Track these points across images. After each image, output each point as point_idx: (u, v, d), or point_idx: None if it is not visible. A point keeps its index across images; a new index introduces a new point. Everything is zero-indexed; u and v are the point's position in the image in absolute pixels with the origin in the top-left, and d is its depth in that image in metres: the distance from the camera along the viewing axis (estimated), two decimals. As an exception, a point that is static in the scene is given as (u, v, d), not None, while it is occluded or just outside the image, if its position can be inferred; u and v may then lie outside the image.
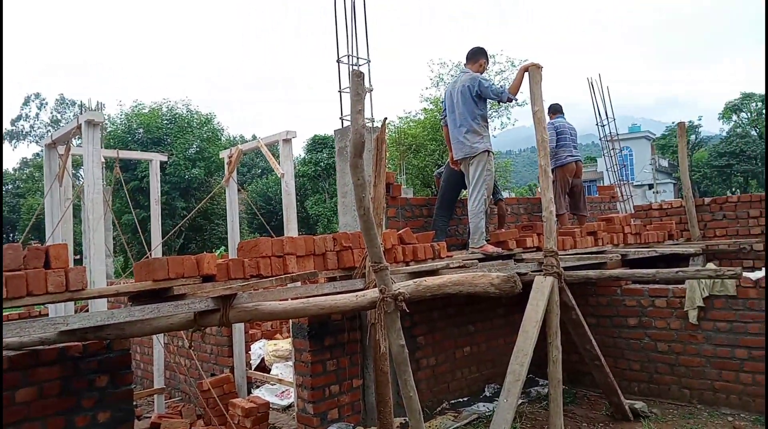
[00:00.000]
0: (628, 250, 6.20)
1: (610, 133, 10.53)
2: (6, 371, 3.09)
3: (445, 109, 5.69)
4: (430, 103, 20.44)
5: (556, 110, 7.89)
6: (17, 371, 3.19)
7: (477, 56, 5.63)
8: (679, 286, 5.46)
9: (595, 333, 5.90)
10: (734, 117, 49.43)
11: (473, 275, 2.85)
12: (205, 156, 28.85)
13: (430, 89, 21.72)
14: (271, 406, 5.36)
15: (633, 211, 8.55)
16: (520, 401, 5.72)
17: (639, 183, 42.41)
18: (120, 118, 28.69)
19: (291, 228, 4.93)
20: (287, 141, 5.14)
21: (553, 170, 7.23)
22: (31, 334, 2.70)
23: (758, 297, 4.98)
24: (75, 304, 5.29)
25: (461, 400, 5.84)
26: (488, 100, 5.54)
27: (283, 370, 6.20)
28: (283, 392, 5.94)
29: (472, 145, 5.36)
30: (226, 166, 6.15)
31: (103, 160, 6.33)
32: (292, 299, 3.54)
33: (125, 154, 7.18)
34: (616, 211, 9.16)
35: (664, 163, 46.56)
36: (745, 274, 5.13)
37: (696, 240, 7.51)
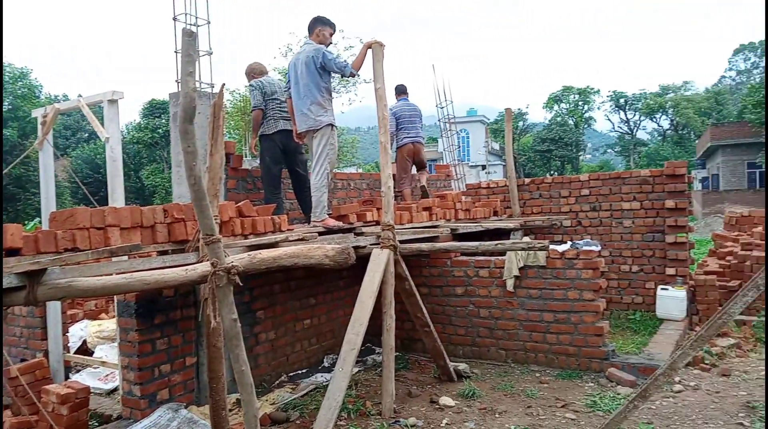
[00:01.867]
0: (459, 224, 6.68)
1: (447, 115, 11.16)
2: None
3: (289, 80, 5.58)
4: (279, 73, 19.97)
5: (400, 91, 8.20)
6: None
7: (315, 26, 5.51)
8: (500, 257, 6.01)
9: (427, 302, 6.30)
10: (555, 107, 55.16)
11: (308, 247, 2.87)
12: (19, 115, 25.39)
13: (279, 59, 21.21)
14: (92, 390, 4.95)
15: (465, 190, 9.20)
16: (357, 369, 5.94)
17: (474, 164, 45.71)
18: None
19: (116, 198, 4.53)
20: (113, 102, 4.68)
21: (395, 152, 7.92)
22: None
23: (563, 267, 5.66)
24: None
25: (300, 372, 5.91)
26: (332, 74, 5.55)
27: (109, 352, 5.74)
28: (107, 375, 5.51)
29: (316, 117, 5.33)
30: (39, 127, 5.45)
31: None
32: (115, 275, 3.27)
33: None
34: (451, 189, 9.79)
35: (496, 146, 50.61)
36: (553, 246, 5.80)
37: (516, 216, 8.31)
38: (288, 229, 4.72)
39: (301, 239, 4.14)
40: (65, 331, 5.64)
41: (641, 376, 5.13)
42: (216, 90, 5.24)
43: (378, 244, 4.87)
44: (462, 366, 5.64)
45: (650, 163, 43.91)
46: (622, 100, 53.67)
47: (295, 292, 5.97)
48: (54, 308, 5.31)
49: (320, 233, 4.86)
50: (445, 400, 4.89)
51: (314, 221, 5.31)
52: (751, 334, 6.55)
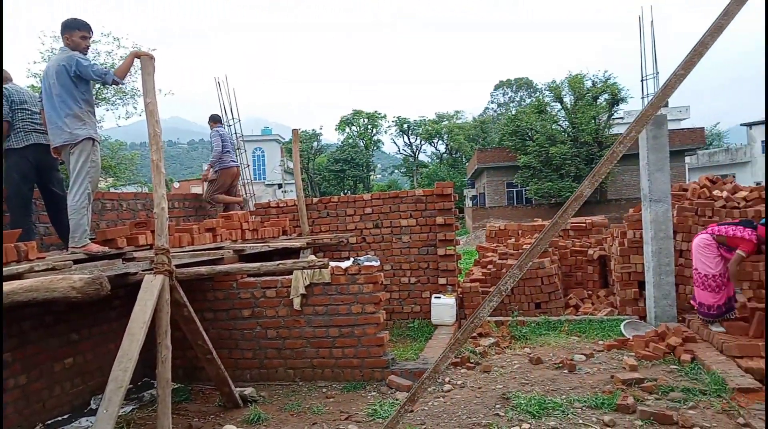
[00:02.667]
0: (245, 245, 6.53)
1: (236, 133, 10.93)
2: None
3: (42, 90, 4.93)
4: (39, 80, 17.60)
5: (216, 120, 9.15)
6: None
7: (64, 32, 4.95)
8: (287, 277, 6.02)
9: (212, 327, 6.04)
10: (347, 129, 57.70)
11: (50, 279, 2.52)
12: None
13: (41, 64, 18.72)
14: None
15: (253, 209, 9.07)
16: (131, 407, 5.43)
17: (270, 182, 45.53)
18: None
19: None
20: None
21: (217, 171, 8.73)
22: None
23: (347, 282, 5.87)
24: None
25: (61, 418, 5.19)
26: (92, 82, 5.05)
27: None
28: None
29: (72, 131, 4.78)
30: None
31: None
32: None
33: None
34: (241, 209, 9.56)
35: (292, 165, 51.14)
36: (336, 263, 6.00)
37: (306, 235, 8.43)
38: (38, 258, 4.12)
39: (52, 269, 3.63)
40: None
41: (417, 381, 5.52)
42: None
43: (151, 269, 4.51)
44: (248, 390, 5.49)
45: (430, 183, 48.26)
46: (405, 126, 58.28)
47: (52, 327, 5.23)
48: None
49: (78, 261, 4.34)
50: (229, 428, 4.70)
51: (73, 247, 4.73)
52: (507, 333, 7.50)
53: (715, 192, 8.10)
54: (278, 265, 4.76)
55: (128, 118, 19.47)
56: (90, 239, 4.87)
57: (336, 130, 57.82)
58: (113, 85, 5.26)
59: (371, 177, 60.74)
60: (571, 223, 10.95)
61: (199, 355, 5.10)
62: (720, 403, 4.65)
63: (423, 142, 59.33)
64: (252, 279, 6.14)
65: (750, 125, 42.95)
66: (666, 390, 4.97)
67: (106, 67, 5.01)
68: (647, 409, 4.47)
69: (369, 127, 57.84)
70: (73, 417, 5.21)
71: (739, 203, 7.94)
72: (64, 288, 2.49)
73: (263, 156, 47.79)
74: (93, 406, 5.47)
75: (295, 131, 9.22)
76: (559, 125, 33.38)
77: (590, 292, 9.37)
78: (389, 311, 8.19)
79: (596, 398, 4.83)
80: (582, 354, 6.25)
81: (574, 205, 3.51)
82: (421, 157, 62.11)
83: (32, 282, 2.49)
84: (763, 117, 41.16)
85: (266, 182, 45.36)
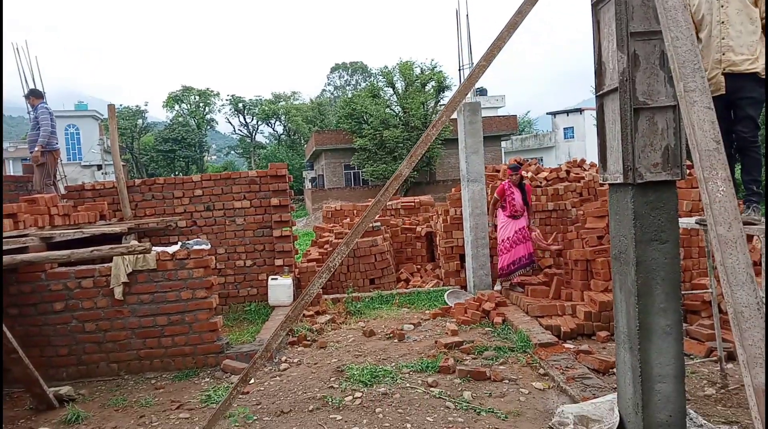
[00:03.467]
0: (55, 232, 5.90)
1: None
2: None
3: None
4: None
5: (39, 95, 8.32)
6: None
7: None
8: (106, 265, 5.58)
9: (18, 324, 5.43)
10: (176, 106, 54.22)
11: None
12: None
13: None
14: None
15: (65, 192, 8.20)
16: None
17: (88, 163, 41.25)
18: None
19: None
20: None
21: (43, 154, 7.88)
22: None
23: (175, 268, 5.60)
24: None
25: None
26: None
27: None
28: None
29: None
30: None
31: None
32: None
33: None
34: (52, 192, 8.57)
35: (114, 144, 46.72)
36: (163, 248, 5.70)
37: (128, 219, 7.84)
38: None
39: None
40: None
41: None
42: None
43: (-67, 262, 3.90)
44: (65, 389, 5.02)
45: (268, 164, 47.50)
46: (240, 105, 56.40)
47: None
48: None
49: None
50: (42, 432, 4.28)
51: None
52: (343, 309, 7.75)
53: (522, 172, 9.11)
54: (92, 251, 4.41)
55: None
56: None
57: (164, 107, 54.09)
58: None
59: (205, 158, 58.00)
60: (402, 202, 11.58)
61: (2, 355, 4.54)
62: (525, 357, 5.32)
63: (260, 123, 58.01)
64: (64, 269, 5.58)
65: (554, 114, 48.79)
66: (481, 350, 5.55)
67: None
68: (464, 368, 4.96)
69: (201, 105, 54.99)
70: None
71: (541, 182, 9.04)
72: None
73: (78, 134, 42.99)
74: None
75: (111, 107, 8.47)
76: (392, 110, 34.83)
77: (419, 267, 10.04)
78: (224, 295, 7.99)
79: (422, 362, 5.23)
80: (411, 324, 6.70)
81: (394, 184, 3.73)
82: (259, 137, 60.77)
83: None
84: (564, 107, 46.97)
85: (83, 163, 40.99)
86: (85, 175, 37.19)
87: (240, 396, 4.49)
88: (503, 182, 7.80)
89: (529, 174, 9.12)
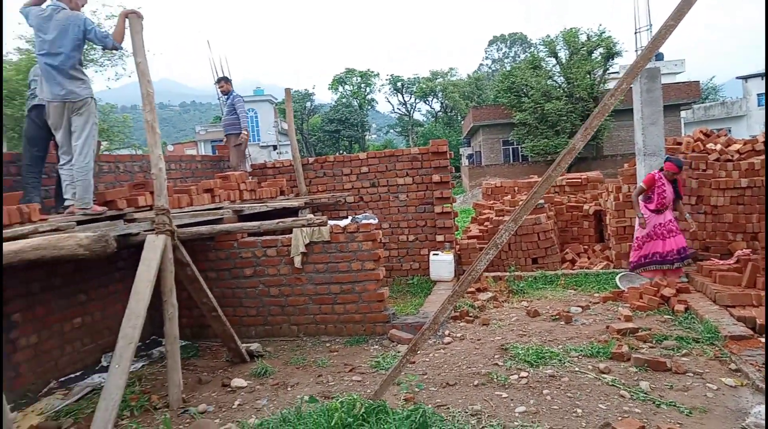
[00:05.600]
0: (243, 205, 6.57)
1: (230, 93, 10.78)
2: None
3: (37, 45, 4.89)
4: (27, 41, 17.25)
5: (229, 81, 9.05)
6: None
7: None
8: (287, 236, 6.09)
9: (216, 286, 6.14)
10: (340, 88, 56.99)
11: (57, 237, 2.57)
12: None
13: (25, 26, 18.29)
14: None
15: (251, 170, 9.07)
16: (141, 364, 5.57)
17: (264, 144, 45.16)
18: None
19: None
20: None
21: (237, 136, 8.63)
22: None
23: (346, 240, 5.95)
24: None
25: (73, 375, 5.33)
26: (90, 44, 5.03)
27: None
28: None
29: (74, 89, 4.77)
30: None
31: None
32: None
33: None
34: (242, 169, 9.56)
35: (286, 125, 50.64)
36: (335, 222, 6.07)
37: (303, 195, 8.47)
38: (41, 220, 4.16)
39: (56, 230, 3.68)
40: None
41: (417, 333, 5.67)
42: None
43: (153, 230, 4.57)
44: (254, 346, 5.63)
45: (426, 142, 48.03)
46: (399, 84, 57.58)
47: (60, 289, 5.32)
48: None
49: (81, 222, 4.38)
50: (238, 381, 4.85)
51: (79, 208, 4.77)
52: (505, 287, 7.64)
53: (709, 145, 8.14)
54: (278, 223, 4.82)
55: (118, 79, 19.16)
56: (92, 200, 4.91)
57: (329, 89, 57.15)
58: (113, 50, 5.23)
59: (366, 137, 60.37)
60: (567, 178, 11.02)
61: (204, 313, 5.21)
62: (713, 350, 4.81)
63: (417, 101, 58.78)
64: (252, 238, 6.21)
65: (746, 78, 42.65)
66: (660, 339, 5.13)
67: (107, 31, 4.97)
68: (641, 356, 4.62)
69: (362, 85, 57.14)
70: (85, 374, 5.35)
71: (732, 156, 8.00)
72: (71, 246, 2.54)
73: (256, 117, 47.20)
74: (104, 363, 5.61)
75: (287, 90, 9.15)
76: (554, 81, 33.07)
77: (586, 247, 9.51)
78: (388, 268, 8.31)
79: (592, 347, 4.98)
80: (578, 306, 6.40)
81: (567, 158, 3.55)
82: (416, 115, 61.64)
83: (40, 240, 2.53)
84: (758, 70, 40.81)
85: (261, 144, 45.01)
86: (262, 154, 40.80)
87: (407, 365, 4.67)
88: (654, 172, 7.00)
89: (718, 146, 8.11)
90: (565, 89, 31.84)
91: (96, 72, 19.27)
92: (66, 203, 4.92)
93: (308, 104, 55.29)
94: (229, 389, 4.76)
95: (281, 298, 6.14)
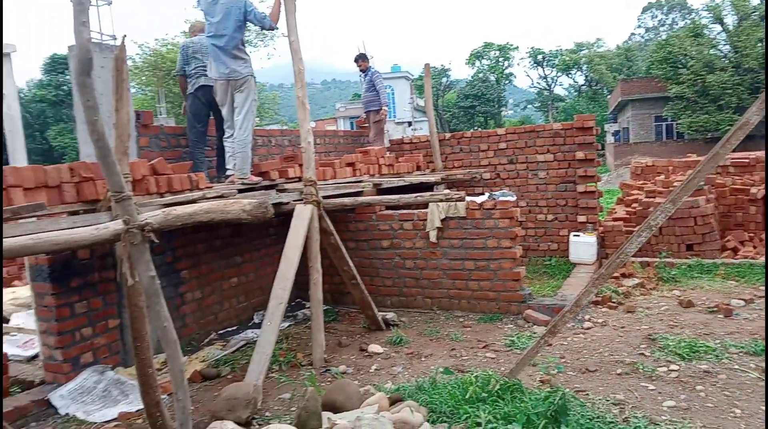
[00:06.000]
0: (382, 179, 6.76)
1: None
2: None
3: (207, 26, 5.38)
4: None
5: (366, 59, 9.11)
6: None
7: None
8: (423, 210, 6.16)
9: (354, 255, 6.39)
10: (477, 63, 55.87)
11: (224, 203, 2.83)
12: None
13: (191, 11, 20.13)
14: (12, 358, 4.77)
15: (389, 145, 9.27)
16: (287, 324, 6.01)
17: (400, 120, 45.84)
18: None
19: (18, 158, 4.25)
20: (5, 56, 4.32)
21: (377, 112, 8.83)
22: None
23: (482, 217, 5.88)
24: None
25: (230, 329, 5.90)
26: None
27: (27, 320, 5.49)
28: (26, 342, 5.28)
29: (236, 68, 5.20)
30: None
31: None
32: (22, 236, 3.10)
33: None
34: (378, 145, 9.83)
35: (422, 102, 50.85)
36: (471, 198, 6.01)
37: (439, 170, 8.49)
38: (206, 187, 4.62)
39: (220, 196, 4.06)
40: (-28, 300, 5.31)
41: (555, 316, 5.49)
42: (118, 42, 4.95)
43: (301, 200, 4.86)
44: (390, 315, 5.82)
45: (567, 117, 45.58)
46: (539, 57, 55.05)
47: (220, 250, 5.88)
48: (-44, 278, 4.97)
49: (240, 190, 4.79)
50: (374, 347, 5.06)
51: (239, 178, 5.22)
52: (654, 274, 7.11)
53: None
54: (416, 197, 4.90)
55: (269, 59, 20.45)
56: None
57: (466, 64, 56.26)
58: (269, 30, 5.61)
59: (502, 113, 58.82)
60: (732, 158, 9.88)
61: (344, 280, 5.48)
62: None
63: (559, 74, 55.86)
64: (390, 211, 6.37)
65: None
66: (843, 341, 4.48)
67: (264, 13, 5.36)
68: (819, 359, 4.08)
69: (500, 59, 55.49)
70: (240, 329, 5.91)
71: None
72: (236, 210, 2.79)
73: (392, 94, 47.95)
74: (256, 320, 6.15)
75: (426, 65, 9.16)
76: (719, 50, 29.59)
77: (752, 235, 8.52)
78: (525, 248, 8.08)
79: (755, 345, 4.49)
80: (740, 299, 5.78)
81: (738, 135, 3.20)
82: (557, 90, 58.67)
83: (210, 205, 2.82)
84: None
85: (396, 120, 45.79)
86: (397, 131, 41.51)
87: (544, 347, 4.54)
88: None
89: None
90: (732, 59, 28.39)
91: (250, 53, 20.78)
92: (227, 173, 5.39)
93: (444, 80, 54.96)
94: (366, 354, 4.98)
95: (416, 271, 6.25)
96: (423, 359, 4.78)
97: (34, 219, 3.49)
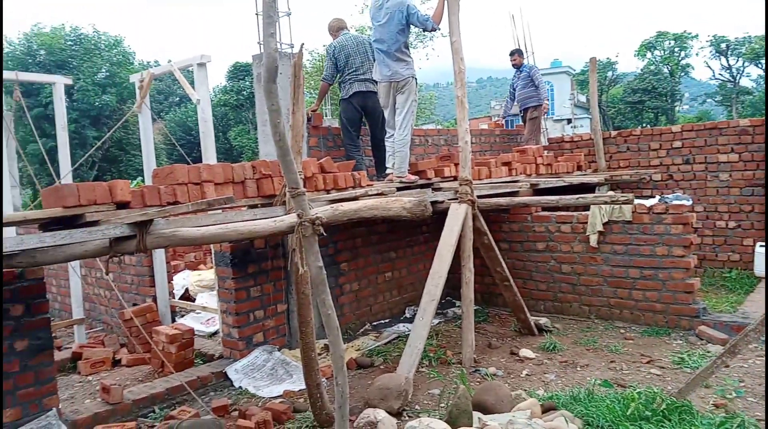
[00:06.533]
0: (539, 179, 6.56)
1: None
2: None
3: (373, 29, 5.62)
4: (356, 30, 19.95)
5: (521, 54, 8.97)
6: None
7: None
8: (583, 212, 5.87)
9: (507, 257, 6.30)
10: (648, 54, 51.54)
11: (387, 200, 2.97)
12: (117, 82, 26.98)
13: (356, 17, 21.20)
14: (196, 333, 5.44)
15: (547, 144, 8.95)
16: (438, 321, 6.10)
17: (559, 118, 43.90)
18: (19, 39, 26.10)
19: (209, 156, 4.84)
20: (202, 65, 4.93)
21: (536, 108, 8.53)
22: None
23: (651, 222, 5.45)
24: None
25: (383, 321, 6.15)
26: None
27: (208, 300, 6.24)
28: (208, 320, 6.01)
29: (398, 70, 5.38)
30: (137, 92, 5.84)
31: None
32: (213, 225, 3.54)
33: (24, 76, 6.64)
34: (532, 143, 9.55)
35: (583, 98, 48.23)
36: (639, 201, 5.60)
37: (602, 171, 8.01)
38: (367, 185, 4.85)
39: (380, 194, 4.25)
40: (170, 279, 6.17)
41: (734, 335, 4.91)
42: (296, 50, 5.37)
43: (456, 199, 4.91)
44: (543, 320, 5.64)
45: (755, 113, 40.33)
46: (723, 45, 49.08)
47: (376, 246, 6.16)
48: (159, 258, 5.80)
49: (398, 188, 4.96)
50: (526, 352, 4.95)
51: (397, 177, 5.41)
52: None
53: None
54: (577, 198, 4.69)
55: (428, 59, 20.85)
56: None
57: (635, 56, 52.12)
58: (431, 32, 5.69)
59: (676, 108, 53.64)
60: None
61: (496, 281, 5.42)
62: None
63: (747, 64, 49.42)
64: (547, 213, 6.16)
65: None
66: None
67: (427, 15, 5.45)
68: None
69: (676, 50, 50.57)
70: (392, 322, 6.14)
71: None
72: (397, 208, 2.92)
73: (552, 90, 46.04)
74: (407, 315, 6.34)
75: (592, 59, 8.71)
76: None
77: None
78: (700, 257, 7.32)
79: None
80: None
81: None
82: (743, 82, 51.94)
83: (373, 202, 2.98)
84: None
85: (554, 118, 43.94)
86: (556, 128, 39.83)
87: (721, 368, 4.10)
88: None
89: None
90: None
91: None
92: (387, 171, 5.61)
93: (609, 74, 51.49)
94: (517, 358, 4.88)
95: (573, 277, 5.98)
96: (578, 369, 4.57)
97: (219, 211, 3.96)
